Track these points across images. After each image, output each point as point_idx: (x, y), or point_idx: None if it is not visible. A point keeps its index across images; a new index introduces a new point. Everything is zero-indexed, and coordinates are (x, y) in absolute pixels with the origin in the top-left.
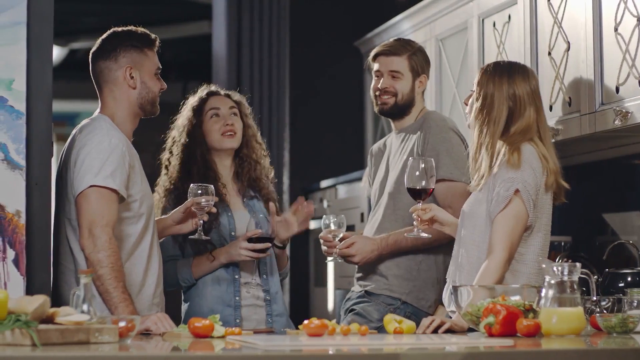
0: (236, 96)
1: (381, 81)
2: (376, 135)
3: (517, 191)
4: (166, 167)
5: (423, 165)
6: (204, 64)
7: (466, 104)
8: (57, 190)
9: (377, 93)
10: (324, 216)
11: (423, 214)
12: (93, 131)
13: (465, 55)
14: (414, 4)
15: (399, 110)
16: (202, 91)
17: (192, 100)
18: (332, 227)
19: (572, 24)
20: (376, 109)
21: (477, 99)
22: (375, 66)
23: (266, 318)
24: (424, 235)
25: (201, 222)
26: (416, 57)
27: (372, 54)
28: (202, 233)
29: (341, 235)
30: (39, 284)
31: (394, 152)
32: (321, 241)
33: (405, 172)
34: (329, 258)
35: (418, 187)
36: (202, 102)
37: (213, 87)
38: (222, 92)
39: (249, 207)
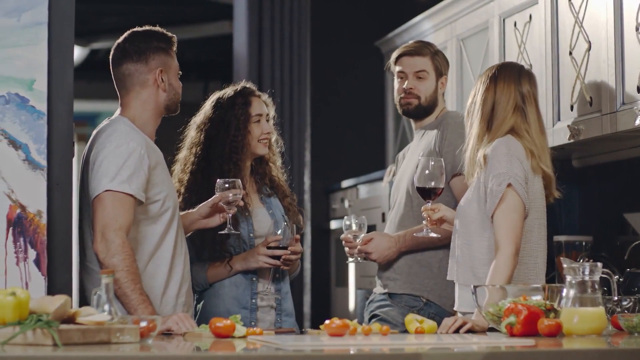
0: (267, 99)
1: (406, 82)
2: (397, 135)
3: (509, 185)
4: (194, 163)
5: (432, 165)
6: (225, 64)
7: None
8: (81, 192)
9: (402, 95)
10: (345, 217)
11: (432, 214)
12: (112, 134)
13: (486, 55)
14: (435, 4)
15: (423, 111)
16: (244, 90)
17: (233, 96)
18: (354, 227)
19: (593, 23)
20: (400, 111)
21: (469, 100)
22: (398, 68)
23: (276, 318)
24: (433, 235)
25: (229, 216)
26: (438, 57)
27: (394, 55)
28: (231, 227)
29: (362, 236)
30: (60, 284)
31: (412, 150)
32: (343, 242)
33: (415, 171)
34: (350, 259)
35: (427, 187)
36: (248, 104)
37: (250, 85)
38: (257, 93)
39: (267, 205)
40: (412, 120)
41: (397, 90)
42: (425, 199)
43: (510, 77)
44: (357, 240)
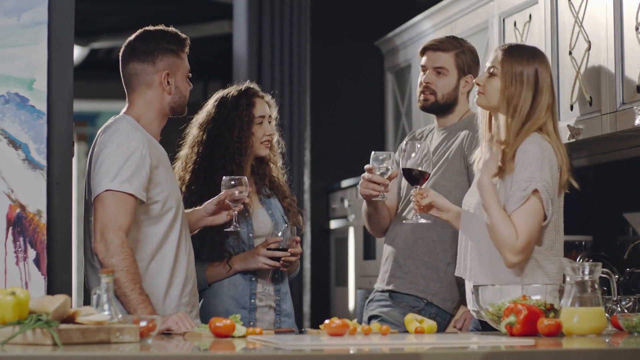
0: (270, 101)
1: (424, 76)
2: (397, 135)
3: (535, 191)
4: (195, 162)
5: (420, 150)
6: (225, 64)
7: (478, 84)
8: (87, 191)
9: (420, 88)
10: (374, 152)
11: (421, 199)
12: (115, 133)
13: (486, 54)
14: (435, 4)
15: (439, 108)
16: (248, 91)
17: (237, 96)
18: (385, 164)
19: (592, 23)
20: (418, 105)
21: (503, 81)
22: (423, 60)
23: (275, 318)
24: (423, 221)
25: (235, 213)
26: (464, 55)
27: (421, 47)
28: (237, 225)
29: (390, 173)
30: (60, 284)
31: (433, 148)
32: (365, 176)
33: (402, 156)
34: (378, 197)
35: (414, 172)
36: (251, 105)
37: (254, 86)
38: (261, 94)
39: (267, 205)
40: (434, 117)
41: (418, 84)
42: (412, 184)
43: (546, 65)
44: (385, 177)
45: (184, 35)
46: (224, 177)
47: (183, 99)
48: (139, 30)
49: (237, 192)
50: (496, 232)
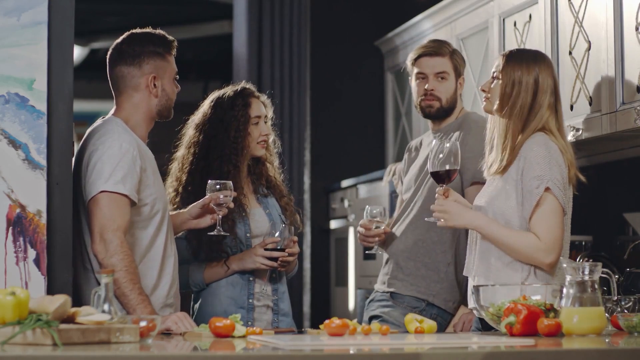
0: (266, 100)
1: (427, 83)
2: (397, 135)
3: (547, 189)
4: (191, 162)
5: (447, 148)
6: (225, 64)
7: (484, 91)
8: (75, 192)
9: (422, 96)
10: (368, 207)
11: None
12: (104, 135)
13: (486, 54)
14: (435, 4)
15: (444, 113)
16: (244, 91)
17: (233, 97)
18: (379, 218)
19: (592, 23)
20: (420, 112)
21: (502, 85)
22: (417, 69)
23: (272, 317)
24: None
25: (219, 217)
26: (456, 56)
27: (413, 56)
28: (221, 229)
29: (383, 226)
30: (60, 284)
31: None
32: (360, 230)
33: (429, 155)
34: (372, 249)
35: (441, 171)
36: (247, 105)
37: (249, 86)
38: (257, 94)
39: (264, 205)
40: (429, 122)
41: (416, 92)
42: (439, 183)
43: (547, 69)
44: (380, 228)
45: (171, 38)
46: (209, 181)
47: (170, 102)
48: (126, 33)
49: (222, 196)
50: (517, 249)
